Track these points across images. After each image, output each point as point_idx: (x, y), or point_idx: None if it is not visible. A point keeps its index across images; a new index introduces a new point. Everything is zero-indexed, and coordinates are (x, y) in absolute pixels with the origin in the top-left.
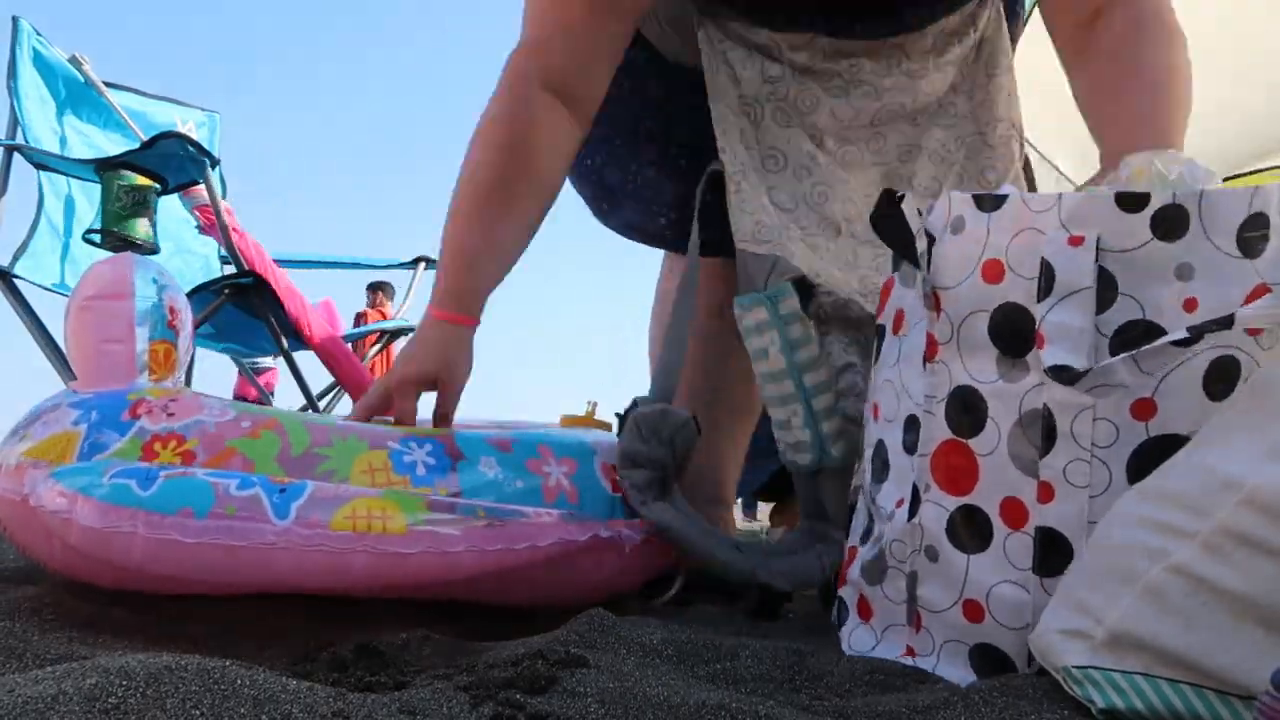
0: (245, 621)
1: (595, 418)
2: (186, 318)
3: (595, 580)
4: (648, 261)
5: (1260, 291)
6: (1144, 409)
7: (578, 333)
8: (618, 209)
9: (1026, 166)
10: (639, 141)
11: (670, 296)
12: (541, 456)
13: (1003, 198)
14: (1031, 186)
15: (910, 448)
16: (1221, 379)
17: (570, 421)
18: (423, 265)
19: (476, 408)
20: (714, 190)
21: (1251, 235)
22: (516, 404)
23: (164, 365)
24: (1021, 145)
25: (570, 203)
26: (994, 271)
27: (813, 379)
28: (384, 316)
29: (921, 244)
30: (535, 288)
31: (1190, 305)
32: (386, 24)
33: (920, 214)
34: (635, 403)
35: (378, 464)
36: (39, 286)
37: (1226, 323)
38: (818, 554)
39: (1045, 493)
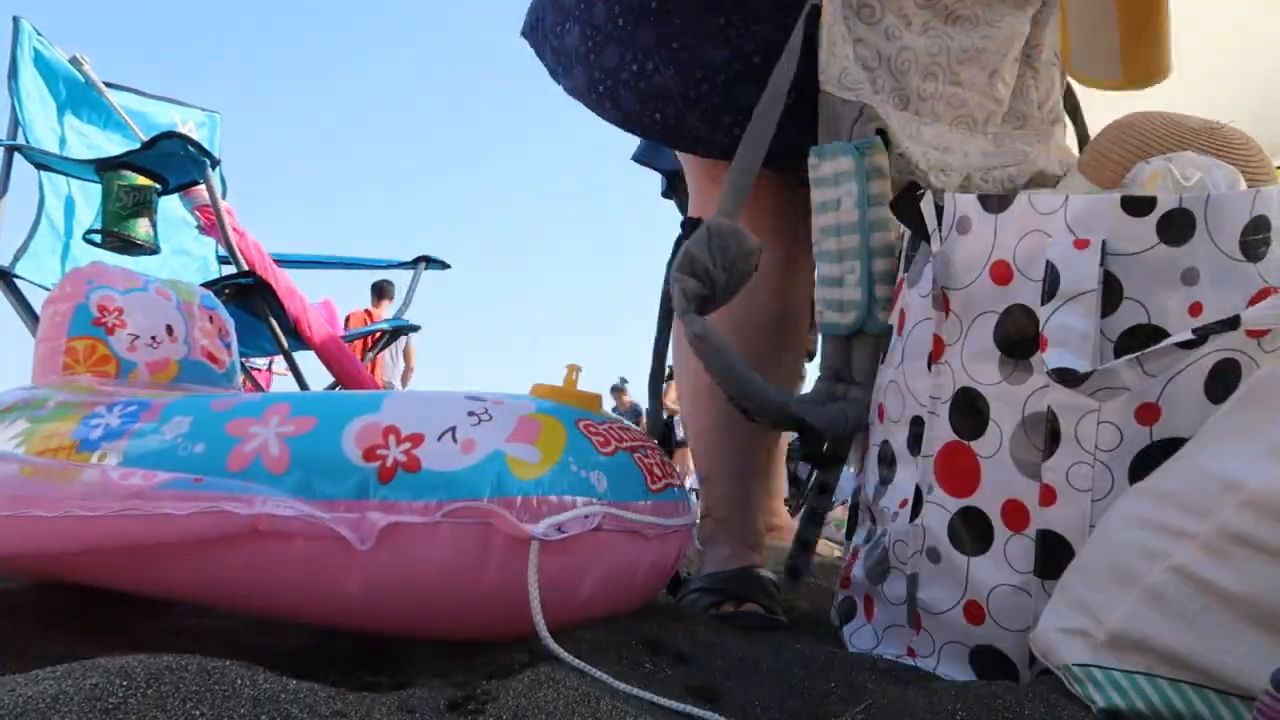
0: (246, 621)
1: (577, 389)
2: (133, 314)
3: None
4: (644, 249)
5: (1265, 295)
6: (1148, 413)
7: (572, 317)
8: (677, 120)
9: (1069, 94)
10: (706, 40)
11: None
12: (261, 417)
13: (1009, 198)
14: (1076, 116)
15: (914, 448)
16: (1223, 382)
17: (544, 391)
18: (423, 265)
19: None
20: (810, 26)
21: (1254, 239)
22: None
23: (84, 361)
24: (1063, 76)
25: (574, 195)
26: (1002, 273)
27: (879, 239)
28: (371, 319)
29: (937, 244)
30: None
31: (1195, 310)
32: (387, 23)
33: (938, 210)
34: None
35: (63, 429)
36: (39, 286)
37: (1232, 323)
38: (841, 408)
39: (1047, 495)
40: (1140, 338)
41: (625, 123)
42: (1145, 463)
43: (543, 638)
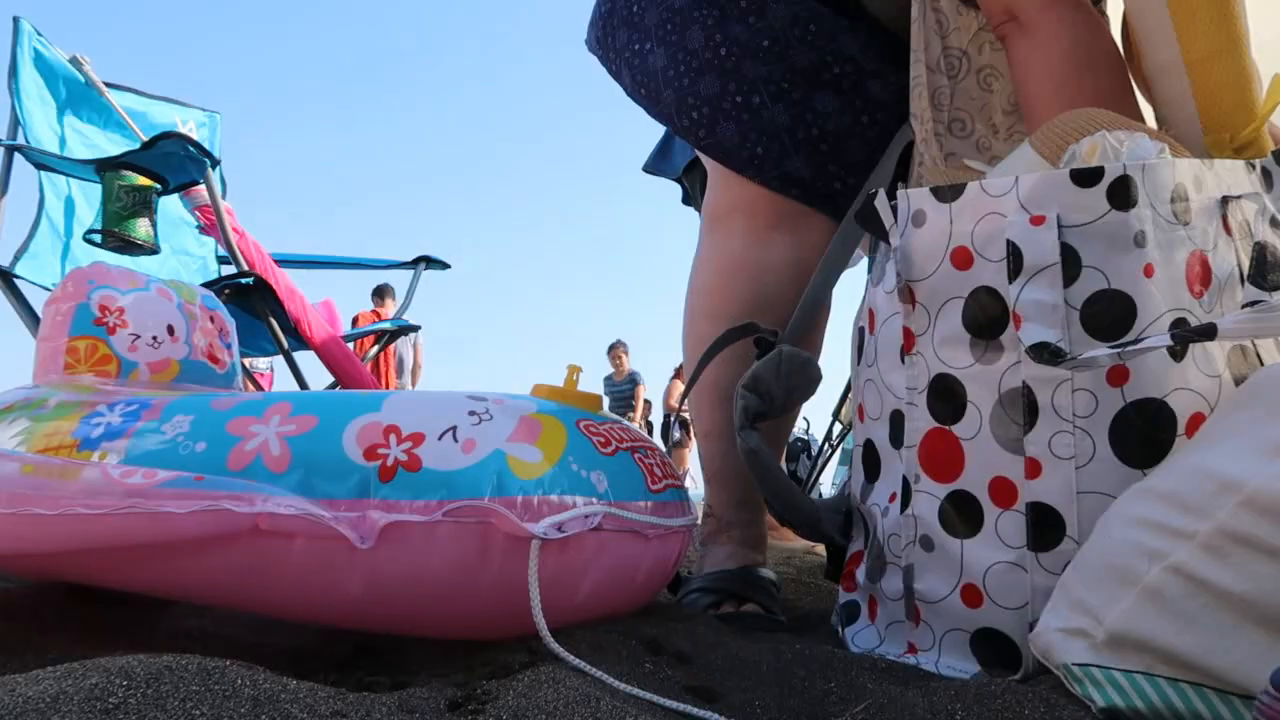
0: (246, 621)
1: (578, 390)
2: (134, 314)
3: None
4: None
5: (1197, 257)
6: (1118, 375)
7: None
8: (779, 157)
9: None
10: (819, 89)
11: (747, 262)
12: (262, 416)
13: (960, 187)
14: None
15: (897, 442)
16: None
17: (546, 392)
18: (423, 265)
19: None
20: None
21: (1179, 205)
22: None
23: (85, 360)
24: None
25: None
26: (963, 258)
27: None
28: (380, 319)
29: (895, 239)
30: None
31: (1149, 271)
32: (388, 23)
33: (894, 210)
34: (780, 338)
35: (64, 428)
36: (39, 286)
37: (1209, 332)
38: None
39: (1033, 468)
40: (1103, 302)
41: (717, 152)
42: (1122, 426)
43: (544, 638)
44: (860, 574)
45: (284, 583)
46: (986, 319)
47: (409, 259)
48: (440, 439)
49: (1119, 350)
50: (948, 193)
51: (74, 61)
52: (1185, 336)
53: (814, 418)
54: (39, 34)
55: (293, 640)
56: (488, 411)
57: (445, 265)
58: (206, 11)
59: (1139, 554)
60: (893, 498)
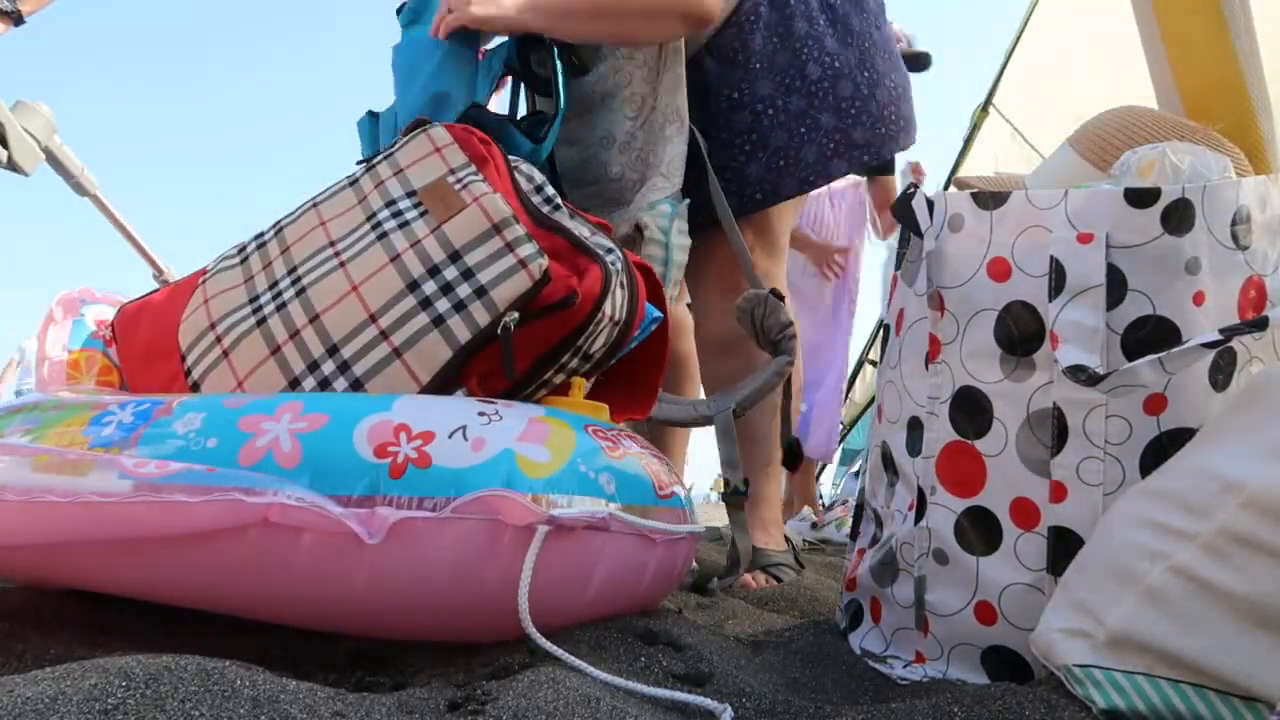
0: (245, 622)
1: (585, 400)
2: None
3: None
4: None
5: (1253, 282)
6: (1155, 404)
7: None
8: None
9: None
10: None
11: None
12: (274, 413)
13: (1004, 195)
14: None
15: (913, 450)
16: (1222, 370)
17: (551, 401)
18: None
19: None
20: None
21: (1240, 228)
22: None
23: (86, 371)
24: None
25: None
26: (1000, 270)
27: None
28: None
29: (930, 243)
30: None
31: (1199, 299)
32: (388, 24)
33: (930, 209)
34: None
35: (75, 428)
36: None
37: (1260, 324)
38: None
39: (1058, 492)
40: (1146, 329)
41: None
42: (1154, 454)
43: (530, 633)
44: (864, 575)
45: (290, 579)
46: (1020, 335)
47: None
48: (450, 437)
49: (1160, 358)
50: (990, 200)
51: None
52: (1235, 330)
53: None
54: None
55: (292, 641)
56: (497, 413)
57: None
58: (205, 10)
59: (1140, 555)
60: (911, 505)
